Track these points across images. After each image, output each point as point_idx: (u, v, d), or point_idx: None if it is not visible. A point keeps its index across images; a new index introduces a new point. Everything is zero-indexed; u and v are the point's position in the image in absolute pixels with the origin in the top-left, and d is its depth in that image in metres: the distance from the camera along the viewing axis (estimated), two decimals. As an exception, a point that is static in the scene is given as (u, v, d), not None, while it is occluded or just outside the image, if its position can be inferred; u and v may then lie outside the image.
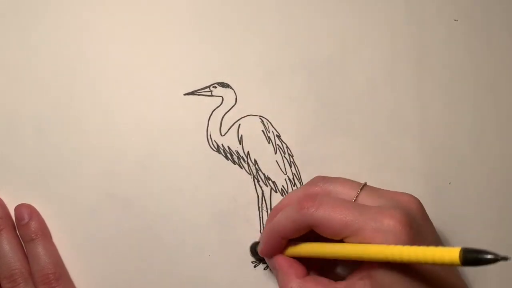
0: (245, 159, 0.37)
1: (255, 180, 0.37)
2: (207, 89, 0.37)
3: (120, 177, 0.36)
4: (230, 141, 0.37)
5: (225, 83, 0.37)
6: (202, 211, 0.36)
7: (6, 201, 0.35)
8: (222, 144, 0.36)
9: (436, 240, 0.31)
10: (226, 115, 0.37)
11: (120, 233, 0.35)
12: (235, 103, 0.37)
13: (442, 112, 0.39)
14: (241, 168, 0.36)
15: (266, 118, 0.37)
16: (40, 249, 0.34)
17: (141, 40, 0.37)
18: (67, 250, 0.35)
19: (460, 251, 0.22)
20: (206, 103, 0.37)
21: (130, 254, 0.35)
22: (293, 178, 0.37)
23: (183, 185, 0.36)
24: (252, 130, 0.37)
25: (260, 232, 0.36)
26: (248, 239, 0.36)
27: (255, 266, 0.36)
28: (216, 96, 0.37)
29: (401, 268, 0.28)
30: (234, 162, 0.37)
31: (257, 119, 0.37)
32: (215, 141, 0.37)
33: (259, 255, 0.35)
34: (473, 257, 0.22)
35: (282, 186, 0.37)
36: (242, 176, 0.36)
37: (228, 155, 0.37)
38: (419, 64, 0.39)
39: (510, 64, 0.40)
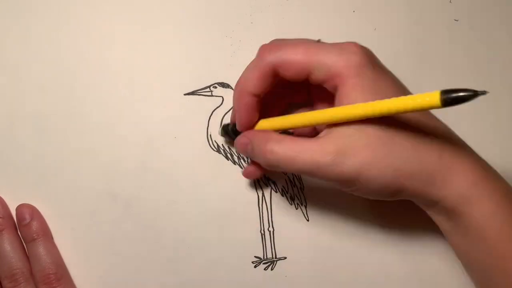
0: (245, 159, 0.37)
1: (255, 181, 0.37)
2: (208, 89, 0.37)
3: (120, 177, 0.36)
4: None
5: (226, 83, 0.37)
6: (202, 211, 0.36)
7: (7, 201, 0.35)
8: (222, 144, 0.37)
9: (395, 78, 0.31)
10: (226, 115, 0.37)
11: (120, 233, 0.35)
12: (235, 103, 0.37)
13: (442, 112, 0.39)
14: (242, 168, 0.37)
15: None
16: (41, 249, 0.34)
17: (142, 40, 0.37)
18: (67, 250, 0.35)
19: (440, 93, 0.23)
20: (206, 103, 0.37)
21: (130, 254, 0.35)
22: (293, 178, 0.37)
23: (183, 185, 0.36)
24: (252, 130, 0.37)
25: (261, 232, 0.36)
26: (249, 239, 0.36)
27: (255, 266, 0.36)
28: (216, 96, 0.37)
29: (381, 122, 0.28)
30: (234, 162, 0.37)
31: (257, 119, 0.37)
32: (215, 141, 0.37)
33: (230, 135, 0.34)
34: (452, 97, 0.23)
35: (282, 186, 0.37)
36: (242, 176, 0.36)
37: (229, 155, 0.37)
38: (419, 65, 0.39)
39: (510, 64, 0.40)
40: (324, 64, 0.28)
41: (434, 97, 0.24)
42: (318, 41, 0.31)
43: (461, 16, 0.40)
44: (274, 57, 0.29)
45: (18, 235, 0.34)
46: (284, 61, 0.29)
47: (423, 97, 0.24)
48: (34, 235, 0.34)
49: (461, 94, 0.23)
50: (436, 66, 0.39)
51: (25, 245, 0.34)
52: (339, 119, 0.28)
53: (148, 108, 0.36)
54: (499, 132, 0.39)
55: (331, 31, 0.39)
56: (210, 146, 0.37)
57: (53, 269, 0.33)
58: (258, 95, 0.31)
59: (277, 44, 0.30)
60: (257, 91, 0.30)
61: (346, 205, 0.37)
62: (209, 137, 0.37)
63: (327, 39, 0.38)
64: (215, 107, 0.37)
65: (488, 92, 0.22)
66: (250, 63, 0.31)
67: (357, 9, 0.39)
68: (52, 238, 0.35)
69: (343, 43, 0.29)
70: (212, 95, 0.37)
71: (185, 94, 0.37)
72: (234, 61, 0.37)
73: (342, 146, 0.28)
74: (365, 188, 0.29)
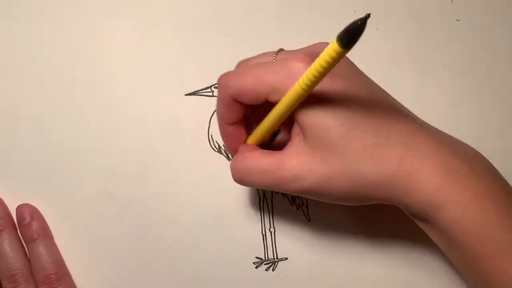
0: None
1: (256, 180, 0.37)
2: (209, 89, 0.37)
3: (120, 177, 0.36)
4: (231, 141, 0.37)
5: (226, 83, 0.37)
6: (203, 211, 0.36)
7: (7, 201, 0.35)
8: (223, 145, 0.36)
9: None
10: (227, 115, 0.37)
11: (120, 233, 0.35)
12: (236, 103, 0.37)
13: (442, 112, 0.39)
14: (242, 168, 0.36)
15: (267, 118, 0.37)
16: (41, 249, 0.34)
17: (142, 40, 0.37)
18: (67, 250, 0.35)
19: (335, 40, 0.23)
20: (207, 104, 0.37)
21: (130, 254, 0.35)
22: (294, 178, 0.37)
23: (183, 185, 0.36)
24: (253, 130, 0.37)
25: (262, 232, 0.36)
26: (249, 239, 0.36)
27: (256, 267, 0.36)
28: (217, 96, 0.37)
29: (317, 100, 0.27)
30: (235, 162, 0.37)
31: (258, 119, 0.37)
32: (216, 141, 0.37)
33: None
34: (346, 36, 0.23)
35: (283, 186, 0.37)
36: (243, 176, 0.36)
37: (229, 155, 0.36)
38: (420, 65, 0.39)
39: (510, 64, 0.40)
40: (272, 86, 0.27)
41: (332, 45, 0.24)
42: (279, 51, 0.30)
43: (463, 16, 0.40)
44: (230, 88, 0.29)
45: (18, 235, 0.34)
46: (238, 91, 0.28)
47: (326, 50, 0.24)
48: (35, 235, 0.34)
49: (350, 27, 0.23)
50: (437, 66, 0.39)
51: (25, 245, 0.34)
52: (282, 113, 0.28)
53: (148, 109, 0.36)
54: (500, 132, 0.39)
55: (332, 31, 0.39)
56: (211, 146, 0.36)
57: (53, 269, 0.33)
58: (234, 123, 0.31)
59: (231, 74, 0.29)
60: (231, 120, 0.31)
61: (348, 205, 0.37)
62: (210, 137, 0.37)
63: (327, 39, 0.38)
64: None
65: (369, 14, 0.23)
66: (218, 93, 0.31)
67: (358, 9, 0.39)
68: (52, 238, 0.35)
69: (294, 55, 0.28)
70: (213, 95, 0.37)
71: (186, 95, 0.37)
72: (234, 61, 0.37)
73: (298, 164, 0.28)
74: (329, 199, 0.29)
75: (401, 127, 0.28)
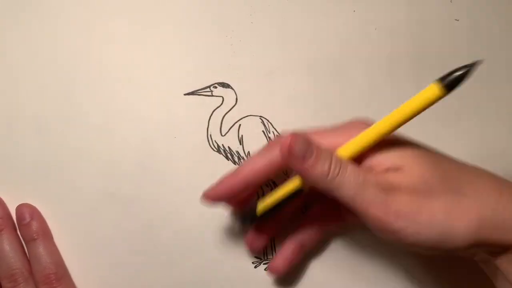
0: (246, 159, 0.36)
1: (255, 180, 0.37)
2: (208, 89, 0.37)
3: (120, 177, 0.36)
4: (230, 141, 0.37)
5: (226, 83, 0.37)
6: (202, 211, 0.36)
7: (6, 201, 0.35)
8: (222, 145, 0.36)
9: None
10: (226, 115, 0.37)
11: (120, 233, 0.35)
12: (236, 103, 0.37)
13: (442, 112, 0.39)
14: (242, 168, 0.36)
15: (266, 118, 0.37)
16: (41, 249, 0.34)
17: (141, 40, 0.37)
18: (67, 250, 0.35)
19: (436, 83, 0.24)
20: (206, 103, 0.37)
21: (130, 254, 0.35)
22: (294, 178, 0.37)
23: (183, 185, 0.36)
24: (252, 130, 0.37)
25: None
26: (249, 239, 0.36)
27: (255, 267, 0.36)
28: (216, 96, 0.37)
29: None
30: (234, 163, 0.37)
31: (258, 119, 0.37)
32: (215, 141, 0.37)
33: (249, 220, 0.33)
34: (451, 79, 0.23)
35: (283, 186, 0.37)
36: (242, 176, 0.36)
37: (229, 155, 0.36)
38: (419, 64, 0.39)
39: (511, 65, 0.40)
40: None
41: (432, 90, 0.24)
42: None
43: (462, 16, 0.40)
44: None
45: (18, 235, 0.34)
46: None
47: (423, 94, 0.24)
48: (34, 235, 0.34)
49: (458, 73, 0.23)
50: (436, 66, 0.39)
51: (25, 245, 0.34)
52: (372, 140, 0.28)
53: (148, 108, 0.36)
54: (500, 132, 0.39)
55: (331, 31, 0.39)
56: (210, 146, 0.36)
57: (53, 269, 0.33)
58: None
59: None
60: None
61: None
62: (209, 137, 0.37)
63: (327, 39, 0.39)
64: (216, 107, 0.37)
65: (483, 61, 0.22)
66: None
67: (357, 9, 0.39)
68: (52, 238, 0.35)
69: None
70: (212, 95, 0.37)
71: (185, 94, 0.37)
72: (234, 61, 0.37)
73: (410, 212, 0.27)
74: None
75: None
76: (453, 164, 0.29)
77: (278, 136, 0.30)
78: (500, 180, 0.29)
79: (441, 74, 0.25)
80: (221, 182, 0.31)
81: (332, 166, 0.27)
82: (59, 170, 0.35)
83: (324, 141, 0.29)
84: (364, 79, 0.39)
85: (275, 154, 0.30)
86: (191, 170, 0.36)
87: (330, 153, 0.28)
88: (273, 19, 0.38)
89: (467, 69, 0.23)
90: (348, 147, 0.28)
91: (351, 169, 0.27)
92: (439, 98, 0.25)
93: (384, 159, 0.28)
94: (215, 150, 0.37)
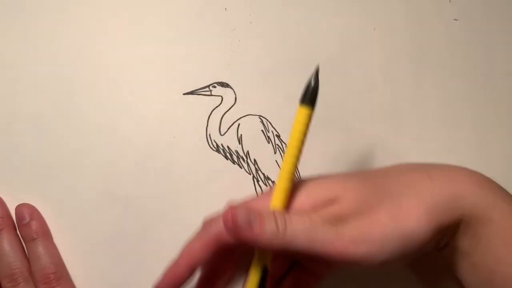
0: (245, 158, 0.37)
1: (255, 180, 0.37)
2: (207, 89, 0.37)
3: (120, 177, 0.36)
4: (229, 140, 0.37)
5: (225, 83, 0.37)
6: (201, 210, 0.36)
7: (6, 201, 0.35)
8: (221, 144, 0.37)
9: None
10: (225, 114, 0.37)
11: (120, 233, 0.35)
12: (235, 103, 0.37)
13: (441, 112, 0.39)
14: (241, 167, 0.36)
15: (265, 118, 0.37)
16: (41, 249, 0.34)
17: (141, 40, 0.37)
18: (67, 250, 0.35)
19: (301, 106, 0.28)
20: (205, 103, 0.37)
21: (129, 254, 0.35)
22: (293, 178, 0.37)
23: (182, 185, 0.36)
24: (251, 130, 0.37)
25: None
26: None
27: None
28: (215, 95, 0.37)
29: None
30: (233, 162, 0.37)
31: (257, 118, 0.37)
32: (214, 140, 0.37)
33: None
34: (308, 96, 0.28)
35: (282, 185, 0.37)
36: (241, 176, 0.36)
37: (228, 154, 0.37)
38: (418, 64, 0.39)
39: (510, 64, 0.40)
40: None
41: (301, 113, 0.28)
42: None
43: (461, 15, 0.40)
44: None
45: (17, 235, 0.34)
46: None
47: (298, 121, 0.28)
48: (34, 234, 0.34)
49: (311, 87, 0.27)
50: (435, 66, 0.39)
51: (24, 245, 0.34)
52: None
53: (147, 108, 0.36)
54: (500, 132, 0.39)
55: (331, 31, 0.39)
56: (209, 146, 0.37)
57: (52, 268, 0.33)
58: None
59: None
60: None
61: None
62: (208, 136, 0.37)
63: (327, 38, 0.39)
64: (215, 107, 0.37)
65: (318, 64, 0.27)
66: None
67: (356, 9, 0.39)
68: (51, 237, 0.35)
69: None
70: (211, 95, 0.37)
71: (184, 94, 0.37)
72: (233, 61, 0.37)
73: (364, 233, 0.27)
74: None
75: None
76: (377, 174, 0.30)
77: (209, 217, 0.31)
78: (426, 166, 0.30)
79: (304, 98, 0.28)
80: (165, 275, 0.30)
81: (279, 222, 0.27)
82: (59, 170, 0.35)
83: (257, 205, 0.29)
84: (364, 79, 0.39)
85: (212, 234, 0.29)
86: (190, 170, 0.36)
87: (271, 211, 0.28)
88: (272, 19, 0.38)
89: (313, 79, 0.27)
90: (277, 198, 0.29)
91: (295, 217, 0.27)
92: (311, 115, 0.28)
93: (315, 199, 0.29)
94: (214, 149, 0.37)
